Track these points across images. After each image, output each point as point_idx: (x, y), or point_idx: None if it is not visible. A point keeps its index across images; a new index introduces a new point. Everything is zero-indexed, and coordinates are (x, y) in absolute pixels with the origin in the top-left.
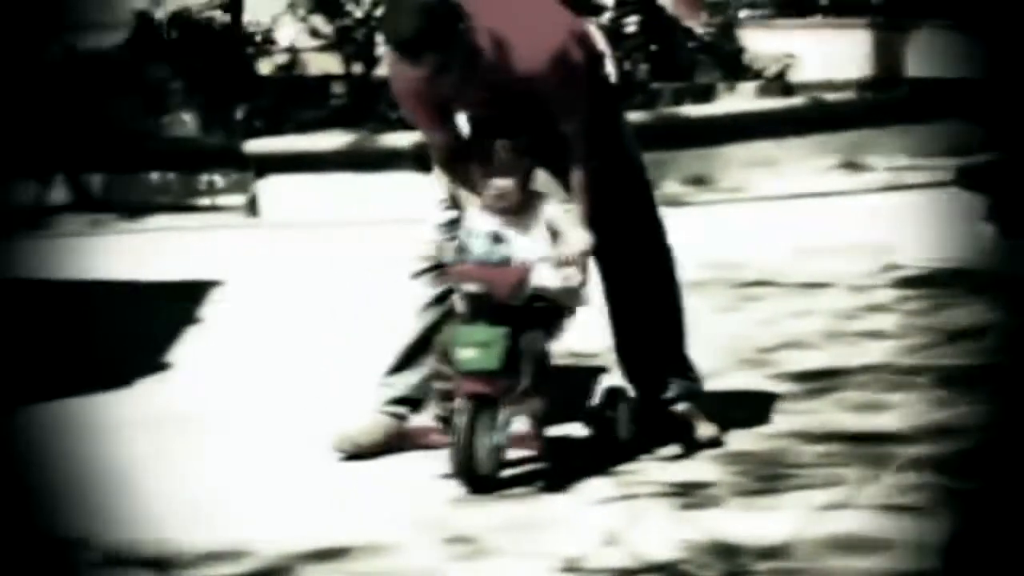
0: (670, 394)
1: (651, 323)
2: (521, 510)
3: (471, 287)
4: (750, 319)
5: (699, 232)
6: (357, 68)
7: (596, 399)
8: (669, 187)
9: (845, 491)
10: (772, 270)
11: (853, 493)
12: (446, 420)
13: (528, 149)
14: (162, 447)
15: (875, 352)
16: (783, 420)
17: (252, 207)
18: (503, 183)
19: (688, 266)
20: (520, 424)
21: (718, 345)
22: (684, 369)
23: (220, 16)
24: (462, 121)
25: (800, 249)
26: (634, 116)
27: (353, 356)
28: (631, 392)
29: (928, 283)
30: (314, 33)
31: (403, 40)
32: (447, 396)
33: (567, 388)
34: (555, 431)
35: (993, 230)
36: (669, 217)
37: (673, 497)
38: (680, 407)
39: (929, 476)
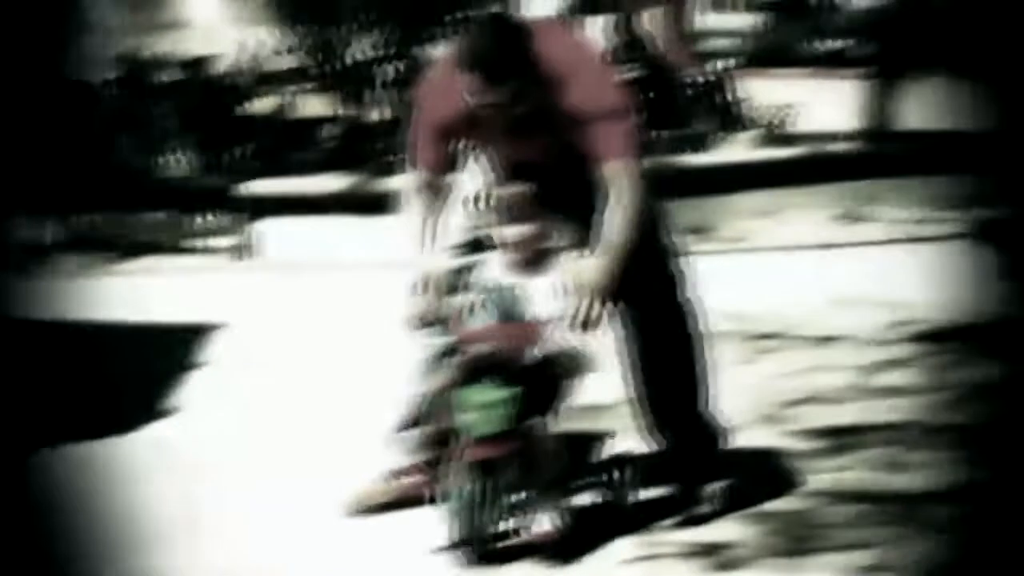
0: (693, 449)
1: (674, 376)
2: (544, 574)
3: (482, 346)
4: (767, 373)
5: (705, 282)
6: (350, 110)
7: (602, 465)
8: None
9: (876, 553)
10: (784, 322)
11: (885, 555)
12: (432, 465)
13: (552, 198)
14: (169, 495)
15: (898, 409)
16: (809, 478)
17: (245, 249)
18: (522, 232)
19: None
20: (534, 500)
21: (736, 399)
22: (708, 423)
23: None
24: (474, 164)
25: (811, 301)
26: None
27: (353, 403)
28: (641, 453)
29: (946, 338)
30: (309, 75)
31: (489, 61)
32: (437, 440)
33: (572, 454)
34: (568, 498)
35: (1012, 285)
36: None
37: (698, 558)
38: (702, 463)
39: (961, 538)
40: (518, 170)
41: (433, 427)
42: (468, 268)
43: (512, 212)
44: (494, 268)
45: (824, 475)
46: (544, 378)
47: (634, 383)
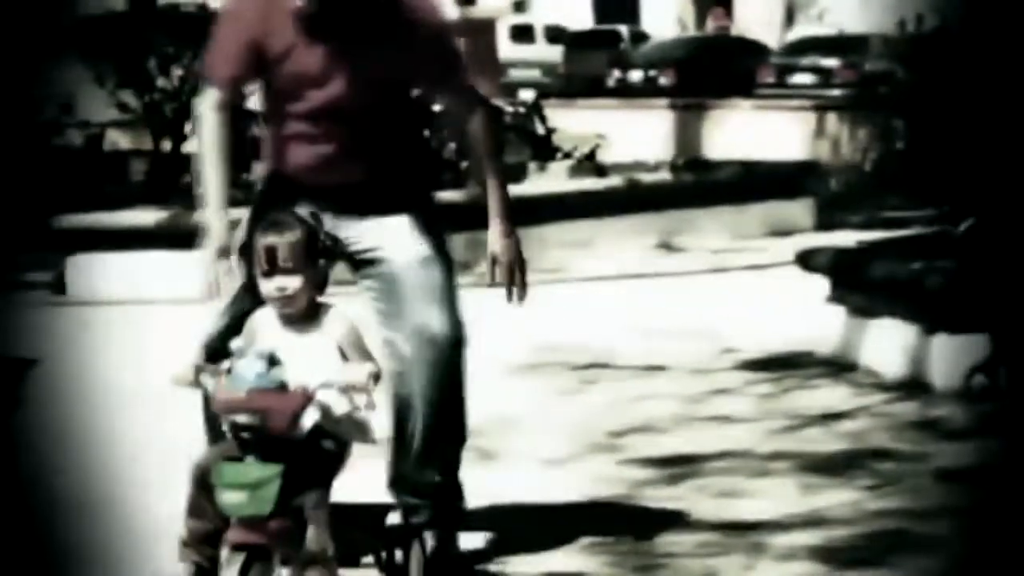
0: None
1: (447, 428)
2: None
3: (239, 418)
4: (594, 403)
5: (524, 314)
6: (164, 143)
7: (384, 537)
8: (483, 268)
9: None
10: (607, 352)
11: None
12: (202, 570)
13: (322, 245)
14: None
15: (729, 437)
16: (647, 508)
17: (59, 285)
18: (288, 282)
19: (521, 348)
20: None
21: (565, 430)
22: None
23: None
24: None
25: (631, 331)
26: (444, 195)
27: (168, 441)
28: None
29: (770, 366)
30: (122, 107)
31: None
32: (204, 538)
33: (353, 528)
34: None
35: (838, 312)
36: (489, 299)
37: None
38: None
39: (805, 565)
40: (325, 117)
41: (192, 503)
42: (231, 325)
43: (277, 263)
44: (260, 324)
45: (661, 504)
46: (314, 450)
47: (414, 435)
